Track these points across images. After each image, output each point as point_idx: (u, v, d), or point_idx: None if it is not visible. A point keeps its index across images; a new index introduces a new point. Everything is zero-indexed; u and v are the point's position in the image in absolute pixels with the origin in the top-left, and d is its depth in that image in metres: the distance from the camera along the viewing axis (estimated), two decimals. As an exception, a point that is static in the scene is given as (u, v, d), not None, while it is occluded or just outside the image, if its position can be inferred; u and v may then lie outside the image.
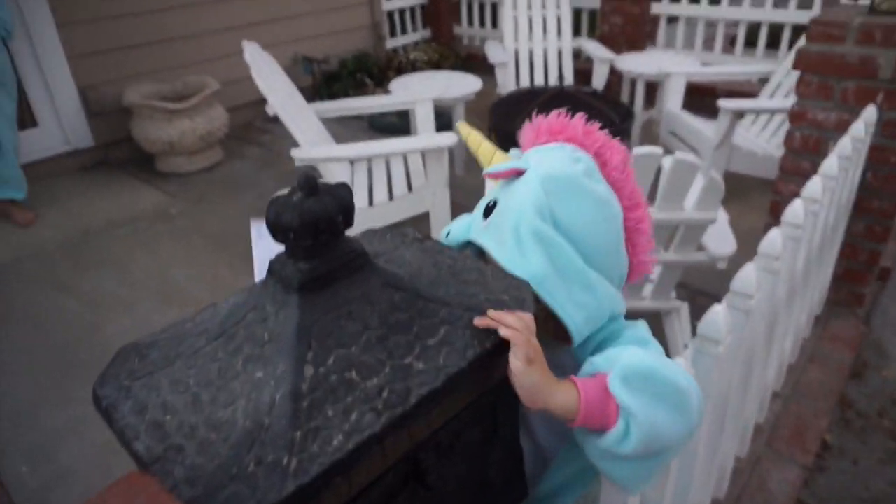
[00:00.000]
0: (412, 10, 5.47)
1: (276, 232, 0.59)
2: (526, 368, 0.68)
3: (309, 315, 0.60)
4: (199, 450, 0.55)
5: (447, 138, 2.54)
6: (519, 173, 0.83)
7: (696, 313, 2.34)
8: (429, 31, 5.62)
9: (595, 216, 0.80)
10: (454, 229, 0.96)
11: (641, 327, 0.84)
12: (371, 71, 4.61)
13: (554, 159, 0.82)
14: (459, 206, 3.04)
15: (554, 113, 0.88)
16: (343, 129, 3.93)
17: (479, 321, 0.67)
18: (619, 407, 0.71)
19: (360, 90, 4.41)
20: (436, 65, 4.78)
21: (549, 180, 0.80)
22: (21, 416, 2.02)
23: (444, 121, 3.40)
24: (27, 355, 2.27)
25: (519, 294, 0.73)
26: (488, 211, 0.86)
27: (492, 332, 0.68)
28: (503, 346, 0.68)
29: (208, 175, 3.64)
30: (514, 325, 0.67)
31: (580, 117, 0.87)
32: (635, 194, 0.85)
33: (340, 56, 4.63)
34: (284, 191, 0.59)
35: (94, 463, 1.84)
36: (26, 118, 3.45)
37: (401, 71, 4.64)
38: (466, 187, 3.24)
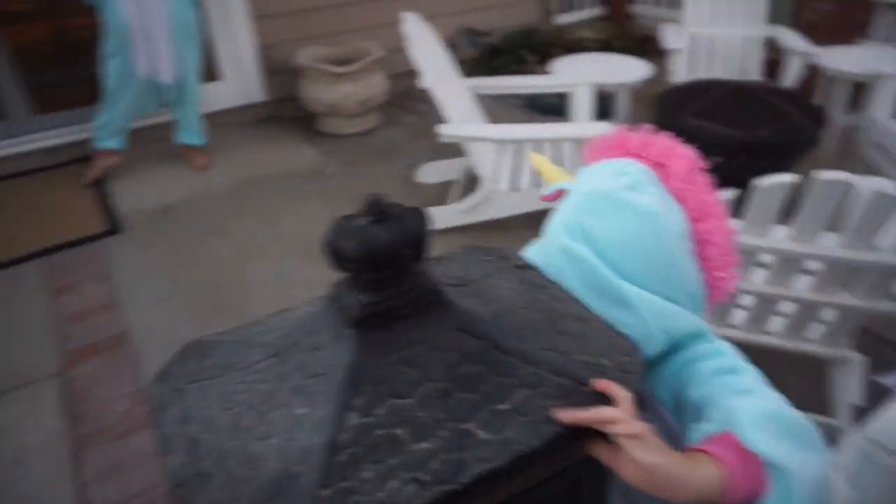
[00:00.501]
0: (590, -17, 5.16)
1: (334, 259, 0.51)
2: (652, 459, 0.56)
3: (364, 355, 0.53)
4: (224, 484, 0.51)
5: (601, 128, 2.35)
6: (562, 193, 0.84)
7: (878, 365, 2.00)
8: (602, 9, 5.28)
9: (638, 230, 0.76)
10: None
11: (726, 352, 0.74)
12: (535, 47, 4.43)
13: (595, 176, 0.81)
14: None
15: (618, 129, 0.86)
16: (499, 105, 3.83)
17: (562, 415, 0.56)
18: (764, 465, 0.59)
19: (522, 66, 4.26)
20: (605, 45, 4.48)
21: (581, 197, 0.80)
22: (173, 347, 2.21)
23: (606, 107, 3.18)
24: (185, 291, 2.48)
25: (625, 360, 0.60)
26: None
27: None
28: (591, 427, 0.56)
29: (364, 139, 3.74)
30: (612, 418, 0.56)
31: (645, 130, 0.84)
32: (705, 204, 0.80)
33: (505, 30, 4.49)
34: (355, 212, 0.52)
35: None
36: (213, 72, 3.76)
37: (567, 49, 4.40)
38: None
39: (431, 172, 3.15)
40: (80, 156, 3.42)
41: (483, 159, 2.56)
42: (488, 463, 0.51)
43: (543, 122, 3.38)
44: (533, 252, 0.88)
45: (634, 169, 0.79)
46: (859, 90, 3.32)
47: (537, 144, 2.69)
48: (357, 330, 0.53)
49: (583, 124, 2.74)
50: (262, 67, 3.80)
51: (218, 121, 3.73)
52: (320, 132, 3.80)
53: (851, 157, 3.15)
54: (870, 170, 2.70)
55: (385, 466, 0.50)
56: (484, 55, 4.31)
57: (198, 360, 0.63)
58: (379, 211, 0.50)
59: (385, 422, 0.51)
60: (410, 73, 4.20)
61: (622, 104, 3.24)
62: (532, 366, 0.57)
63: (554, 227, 0.81)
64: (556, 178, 0.94)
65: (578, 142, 2.38)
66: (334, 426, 0.50)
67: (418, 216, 0.52)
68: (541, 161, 1.01)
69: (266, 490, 0.49)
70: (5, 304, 2.43)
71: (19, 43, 3.43)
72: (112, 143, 3.15)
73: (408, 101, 4.27)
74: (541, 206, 2.44)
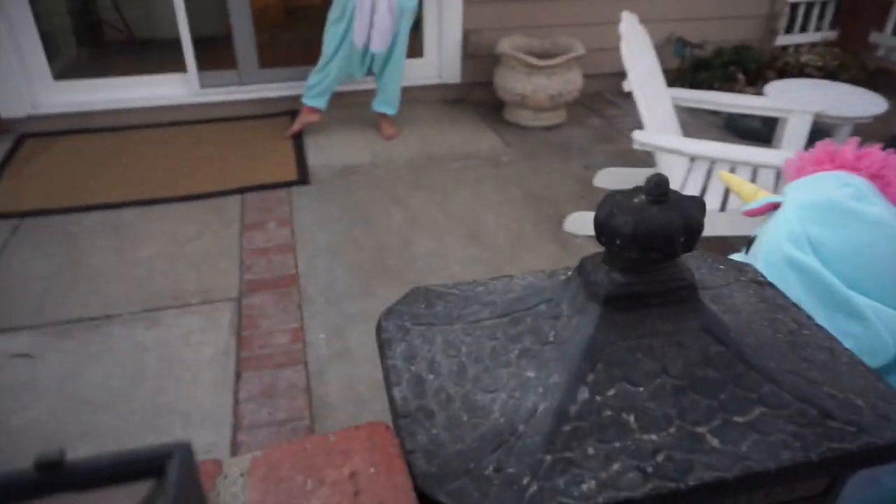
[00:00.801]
0: (824, 4, 4.68)
1: (603, 233, 0.51)
2: None
3: (605, 333, 0.52)
4: (447, 424, 0.53)
5: (818, 162, 2.13)
6: (775, 207, 0.85)
7: None
8: (835, 33, 4.77)
9: (870, 238, 0.76)
10: None
11: None
12: (747, 66, 4.12)
13: (814, 188, 0.82)
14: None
15: (819, 144, 0.89)
16: (694, 120, 3.63)
17: None
18: None
19: (727, 84, 3.99)
20: (830, 73, 4.05)
21: (804, 208, 0.80)
22: (333, 295, 2.38)
23: (820, 140, 2.89)
24: (354, 247, 2.65)
25: (883, 406, 0.54)
26: (749, 245, 0.90)
27: (824, 441, 0.51)
28: (833, 464, 0.50)
29: (546, 134, 3.73)
30: None
31: (852, 143, 0.85)
32: None
33: (718, 43, 4.22)
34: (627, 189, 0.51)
35: (369, 348, 2.08)
36: (416, 49, 3.94)
37: (783, 73, 4.04)
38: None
39: (609, 178, 3.06)
40: (291, 109, 3.76)
41: (672, 174, 2.44)
42: (717, 472, 0.48)
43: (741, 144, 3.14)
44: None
45: (857, 180, 0.81)
46: None
47: (732, 167, 2.52)
48: (602, 307, 0.52)
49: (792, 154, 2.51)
50: (463, 50, 3.91)
51: (411, 96, 3.91)
52: (505, 121, 3.84)
53: None
54: None
55: (610, 448, 0.49)
56: (689, 67, 4.10)
57: (425, 306, 0.66)
58: (661, 192, 0.49)
59: (615, 404, 0.50)
60: (606, 76, 4.14)
61: (841, 139, 2.92)
62: (775, 385, 0.53)
63: (773, 239, 0.81)
64: (754, 194, 0.95)
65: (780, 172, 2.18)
66: (565, 395, 0.50)
67: (699, 205, 0.50)
68: (734, 179, 1.04)
69: (489, 440, 0.50)
70: (207, 228, 2.74)
71: (258, 5, 3.82)
72: (317, 102, 3.43)
73: (597, 103, 4.18)
74: (720, 231, 2.29)
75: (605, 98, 4.25)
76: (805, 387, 0.54)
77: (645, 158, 3.41)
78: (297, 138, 3.51)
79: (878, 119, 2.87)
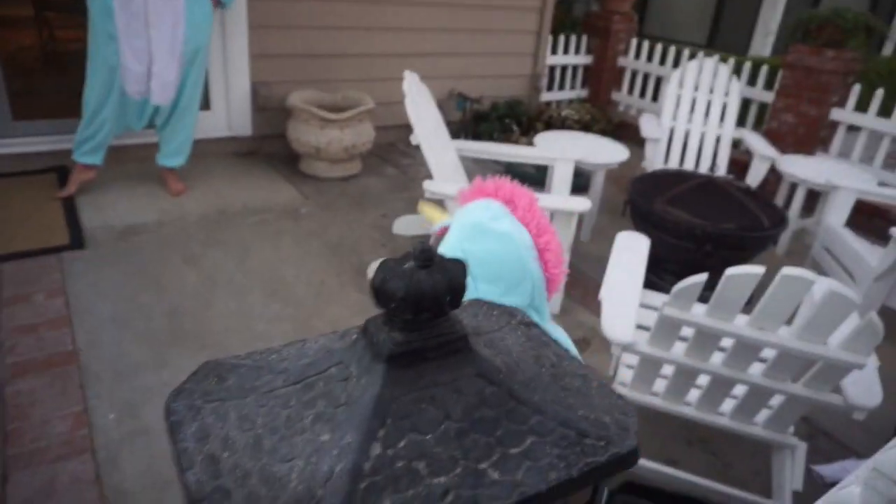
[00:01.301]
0: (575, 68, 5.47)
1: (380, 297, 0.55)
2: None
3: (391, 390, 0.56)
4: (245, 500, 0.52)
5: (580, 203, 2.46)
6: (445, 229, 1.16)
7: (815, 456, 2.09)
8: (586, 91, 5.59)
9: (498, 247, 1.09)
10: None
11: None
12: (520, 119, 4.63)
13: (468, 212, 1.13)
14: (580, 272, 2.94)
15: (475, 180, 1.20)
16: (479, 168, 3.96)
17: None
18: None
19: (505, 135, 4.45)
20: (585, 126, 4.72)
21: (461, 228, 1.12)
22: (123, 369, 2.15)
23: (581, 183, 3.33)
24: (143, 315, 2.43)
25: (622, 418, 0.65)
26: None
27: (581, 457, 0.60)
28: (591, 476, 0.59)
29: (343, 185, 3.79)
30: None
31: (495, 179, 1.17)
32: (541, 225, 1.13)
33: (494, 98, 4.70)
34: (400, 256, 0.56)
35: (168, 434, 1.91)
36: (203, 101, 3.78)
37: (549, 125, 4.62)
38: (591, 255, 3.12)
39: (406, 225, 3.20)
40: (56, 164, 3.37)
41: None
42: (499, 501, 0.54)
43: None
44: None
45: (495, 205, 1.12)
46: (814, 196, 3.57)
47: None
48: (387, 365, 0.56)
49: (562, 197, 2.86)
50: (253, 103, 3.85)
51: (199, 149, 3.73)
52: (301, 173, 3.84)
53: (799, 256, 3.36)
54: (817, 269, 2.89)
55: (404, 497, 0.52)
56: (470, 119, 4.48)
57: (216, 381, 0.65)
58: (427, 258, 0.54)
59: (407, 454, 0.54)
60: (397, 128, 4.36)
61: (597, 182, 3.40)
62: (541, 415, 0.61)
63: (441, 250, 1.11)
64: (439, 217, 1.27)
65: (557, 213, 2.48)
66: (358, 454, 0.52)
67: (460, 268, 0.57)
68: (426, 207, 1.37)
69: (288, 510, 0.50)
70: (-47, 307, 2.33)
71: (8, 49, 3.41)
72: (92, 158, 3.12)
73: (391, 154, 4.37)
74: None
75: (398, 148, 4.46)
76: (565, 412, 0.63)
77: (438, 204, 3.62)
78: (68, 198, 3.15)
79: (622, 164, 3.40)
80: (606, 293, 1.81)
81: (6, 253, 2.68)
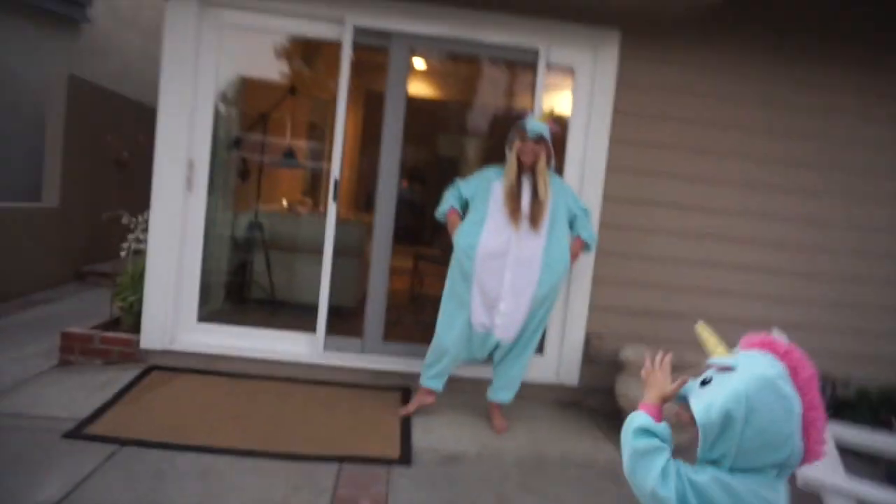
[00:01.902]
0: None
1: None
2: None
3: None
4: None
5: None
6: (729, 368, 1.22)
7: None
8: None
9: (777, 406, 1.15)
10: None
11: None
12: (899, 413, 3.72)
13: (757, 363, 1.21)
14: None
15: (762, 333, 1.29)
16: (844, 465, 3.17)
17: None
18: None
19: (878, 430, 3.57)
20: None
21: (749, 376, 1.18)
22: None
23: None
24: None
25: None
26: (704, 383, 1.26)
27: None
28: None
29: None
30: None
31: (777, 337, 1.25)
32: (815, 400, 1.18)
33: (862, 382, 3.92)
34: None
35: None
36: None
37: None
38: None
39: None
40: (403, 385, 3.73)
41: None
42: None
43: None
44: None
45: (780, 366, 1.19)
46: None
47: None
48: None
49: None
50: (584, 354, 3.86)
51: (523, 392, 3.78)
52: (624, 432, 3.56)
53: None
54: None
55: None
56: (829, 407, 3.77)
57: None
58: None
59: None
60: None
61: None
62: None
63: (732, 388, 1.18)
64: (714, 346, 1.34)
65: None
66: None
67: None
68: (706, 332, 1.38)
69: None
70: (296, 493, 2.51)
71: (393, 288, 4.11)
72: (435, 384, 3.35)
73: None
74: None
75: (734, 426, 3.90)
76: None
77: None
78: (406, 416, 3.38)
79: None
80: None
81: (347, 455, 2.89)
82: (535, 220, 3.18)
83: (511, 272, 3.18)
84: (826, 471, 2.09)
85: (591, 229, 3.39)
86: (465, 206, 3.39)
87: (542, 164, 3.20)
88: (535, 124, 3.17)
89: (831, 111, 3.95)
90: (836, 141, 3.97)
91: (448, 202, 3.38)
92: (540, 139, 3.17)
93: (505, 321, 3.20)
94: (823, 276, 4.03)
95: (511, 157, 3.22)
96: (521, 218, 3.19)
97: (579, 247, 3.36)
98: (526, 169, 3.22)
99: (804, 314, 3.99)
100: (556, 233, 3.25)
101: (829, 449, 2.34)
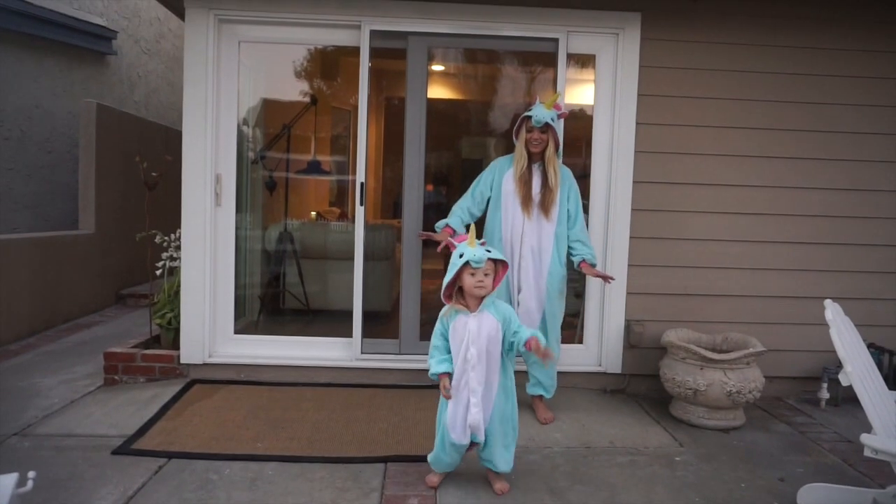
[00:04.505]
0: None
1: None
2: None
3: None
4: None
5: None
6: None
7: None
8: None
9: None
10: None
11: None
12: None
13: None
14: None
15: None
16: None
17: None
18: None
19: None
20: None
21: None
22: None
23: None
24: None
25: None
26: None
27: None
28: None
29: (723, 436, 3.27)
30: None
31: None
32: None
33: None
34: None
35: None
36: (575, 336, 3.90)
37: None
38: None
39: (817, 495, 2.49)
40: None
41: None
42: None
43: None
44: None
45: None
46: None
47: None
48: None
49: None
50: (625, 340, 3.78)
51: (568, 381, 3.74)
52: (672, 416, 3.46)
53: None
54: None
55: None
56: (891, 376, 3.61)
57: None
58: None
59: None
60: (788, 380, 3.75)
61: None
62: None
63: None
64: None
65: None
66: None
67: None
68: None
69: None
70: (342, 496, 2.48)
71: (425, 289, 4.09)
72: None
73: (778, 409, 3.71)
74: None
75: (787, 403, 3.77)
76: None
77: (857, 476, 2.83)
78: (448, 412, 3.35)
79: None
80: None
81: (395, 455, 2.86)
82: (545, 207, 3.21)
83: (525, 260, 3.25)
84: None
85: (588, 242, 3.31)
86: (484, 203, 3.40)
87: (549, 151, 3.21)
88: (541, 113, 3.16)
89: (869, 78, 3.80)
90: (875, 108, 3.82)
91: (449, 219, 3.37)
92: (546, 127, 3.17)
93: (525, 307, 3.24)
94: (872, 244, 3.87)
95: (520, 147, 3.24)
96: (532, 206, 3.23)
97: (587, 269, 3.25)
98: (535, 157, 3.25)
99: (856, 284, 3.84)
100: (563, 221, 3.28)
101: (894, 415, 2.23)
